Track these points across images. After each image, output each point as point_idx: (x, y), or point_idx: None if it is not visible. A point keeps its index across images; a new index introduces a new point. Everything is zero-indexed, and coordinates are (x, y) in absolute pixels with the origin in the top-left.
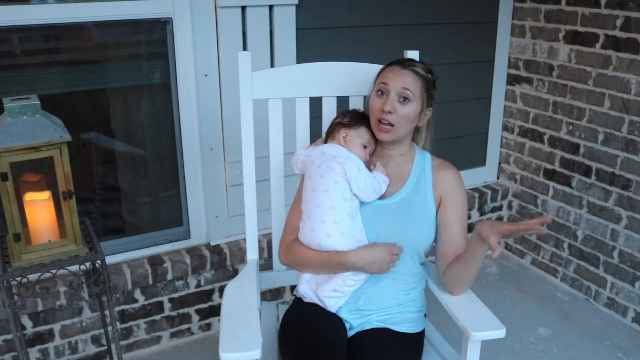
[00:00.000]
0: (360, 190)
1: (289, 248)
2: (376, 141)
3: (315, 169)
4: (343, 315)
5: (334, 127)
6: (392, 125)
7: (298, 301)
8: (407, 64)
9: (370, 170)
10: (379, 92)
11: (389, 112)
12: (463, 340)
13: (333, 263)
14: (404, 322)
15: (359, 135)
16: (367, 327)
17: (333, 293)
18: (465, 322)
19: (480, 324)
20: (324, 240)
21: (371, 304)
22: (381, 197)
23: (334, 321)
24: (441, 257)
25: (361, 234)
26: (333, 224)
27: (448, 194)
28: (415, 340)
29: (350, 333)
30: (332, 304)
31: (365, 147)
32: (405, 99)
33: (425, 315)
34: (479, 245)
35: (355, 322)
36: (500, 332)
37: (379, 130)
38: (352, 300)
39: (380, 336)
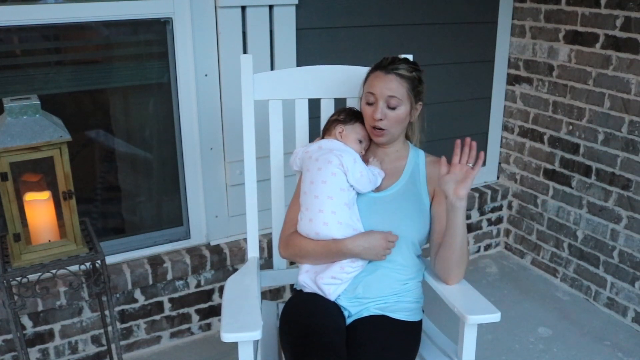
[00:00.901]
0: (356, 181)
1: (288, 240)
2: (370, 137)
3: (313, 163)
4: (342, 303)
5: (330, 124)
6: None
7: (298, 293)
8: (391, 67)
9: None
10: (368, 101)
11: (380, 119)
12: (459, 327)
13: (331, 251)
14: (402, 310)
15: (355, 131)
16: (365, 314)
17: (332, 280)
18: (461, 308)
19: (475, 308)
20: (322, 229)
21: (369, 291)
22: (376, 190)
23: (333, 309)
24: (434, 247)
25: (358, 224)
26: (331, 214)
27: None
28: (413, 329)
29: (349, 321)
30: (331, 292)
31: (360, 141)
32: (393, 104)
33: (423, 311)
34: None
35: (354, 310)
36: (495, 316)
37: (374, 135)
38: (350, 289)
39: (379, 323)
